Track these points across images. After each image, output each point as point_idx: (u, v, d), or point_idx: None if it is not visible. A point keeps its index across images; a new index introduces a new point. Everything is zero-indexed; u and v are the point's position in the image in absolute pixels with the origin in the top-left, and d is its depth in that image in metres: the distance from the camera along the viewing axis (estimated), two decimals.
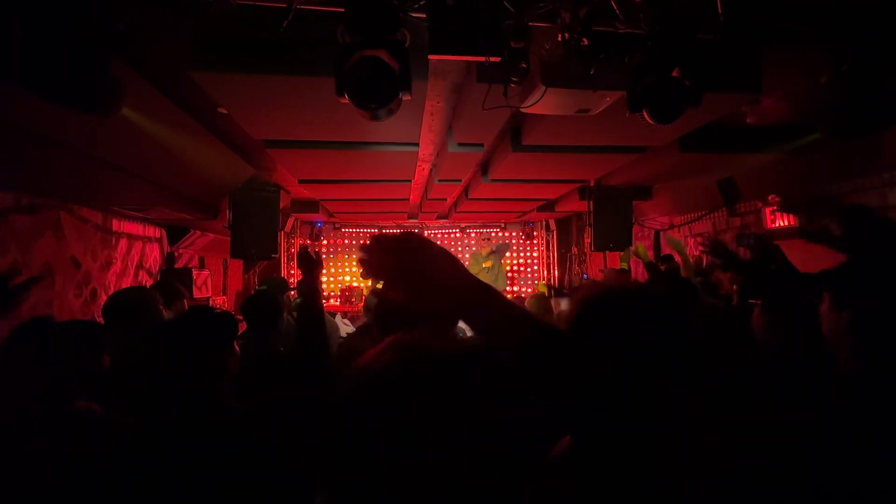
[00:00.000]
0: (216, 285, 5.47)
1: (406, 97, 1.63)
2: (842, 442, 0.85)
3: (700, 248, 5.27)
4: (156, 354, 1.17)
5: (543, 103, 1.70)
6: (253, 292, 3.27)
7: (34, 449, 1.11)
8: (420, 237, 0.64)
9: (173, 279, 3.83)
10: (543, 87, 1.62)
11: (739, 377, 1.17)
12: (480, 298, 0.60)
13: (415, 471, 0.44)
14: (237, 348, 1.25)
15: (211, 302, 4.71)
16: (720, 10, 1.76)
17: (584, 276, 7.00)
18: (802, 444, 0.86)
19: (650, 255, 5.98)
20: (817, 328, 1.01)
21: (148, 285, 3.99)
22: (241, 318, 2.11)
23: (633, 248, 3.20)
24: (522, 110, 1.85)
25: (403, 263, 0.59)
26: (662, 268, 4.47)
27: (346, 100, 1.60)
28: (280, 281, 3.31)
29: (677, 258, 3.79)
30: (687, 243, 5.53)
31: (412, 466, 0.44)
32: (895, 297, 0.89)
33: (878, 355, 0.90)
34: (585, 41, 1.57)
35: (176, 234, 4.52)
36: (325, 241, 7.42)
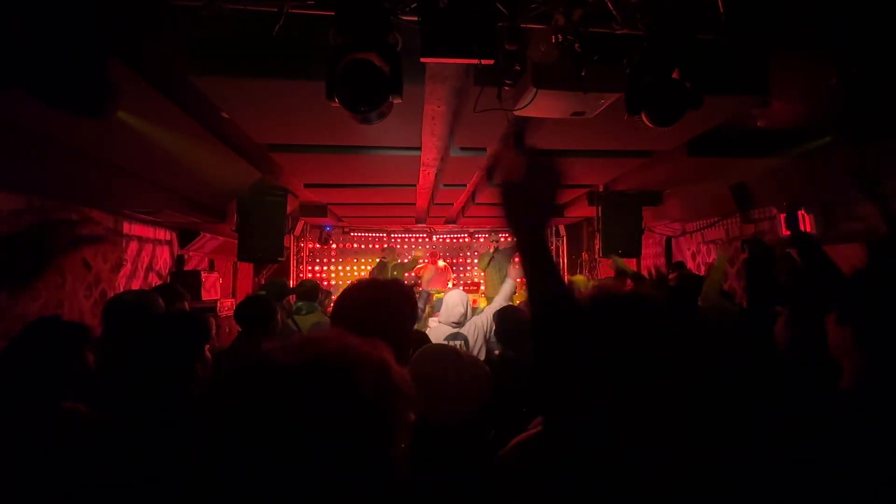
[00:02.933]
0: (225, 288, 5.54)
1: (397, 101, 1.62)
2: (837, 458, 0.81)
3: (714, 254, 5.12)
4: (128, 356, 1.18)
5: (536, 106, 1.68)
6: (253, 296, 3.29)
7: (17, 448, 1.11)
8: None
9: (174, 281, 3.88)
10: (534, 90, 1.60)
11: (743, 383, 1.12)
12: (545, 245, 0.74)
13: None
14: (208, 353, 1.24)
15: (219, 304, 4.76)
16: (721, 10, 1.71)
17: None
18: (795, 454, 0.82)
19: (661, 261, 5.87)
20: (823, 341, 0.97)
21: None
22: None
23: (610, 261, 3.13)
24: (515, 113, 1.83)
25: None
26: (672, 276, 4.36)
27: (336, 103, 1.60)
28: (280, 284, 3.33)
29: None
30: (699, 250, 5.41)
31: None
32: (888, 312, 0.84)
33: (879, 373, 0.86)
34: (578, 44, 1.54)
35: (186, 236, 4.59)
36: (333, 246, 7.47)
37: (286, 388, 0.44)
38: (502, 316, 2.54)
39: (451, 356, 1.03)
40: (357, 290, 1.05)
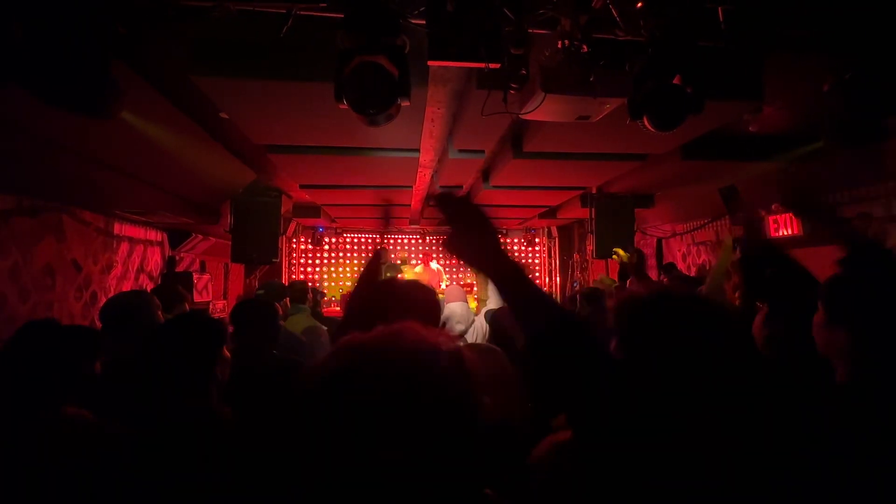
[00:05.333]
0: (217, 289, 5.48)
1: (405, 103, 1.63)
2: (836, 456, 0.83)
3: (707, 254, 5.19)
4: (145, 358, 1.16)
5: (543, 110, 1.70)
6: (252, 297, 3.25)
7: (19, 454, 1.09)
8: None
9: (175, 283, 3.82)
10: (542, 94, 1.62)
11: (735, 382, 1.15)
12: (518, 273, 0.72)
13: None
14: (227, 354, 1.24)
15: (211, 306, 4.71)
16: (721, 18, 1.76)
17: (575, 283, 6.99)
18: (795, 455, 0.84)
19: (651, 262, 5.97)
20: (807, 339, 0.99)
21: (149, 289, 4.00)
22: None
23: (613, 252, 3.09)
24: (522, 117, 1.85)
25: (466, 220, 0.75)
26: (664, 278, 4.43)
27: (345, 105, 1.60)
28: (278, 286, 3.29)
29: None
30: (689, 251, 5.52)
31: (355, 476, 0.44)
32: (887, 312, 0.87)
33: (872, 369, 0.88)
34: (585, 48, 1.57)
35: (177, 237, 4.53)
36: (326, 247, 7.43)
37: (378, 381, 0.47)
38: (495, 318, 2.51)
39: (498, 354, 1.03)
40: (382, 291, 1.06)
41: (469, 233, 0.76)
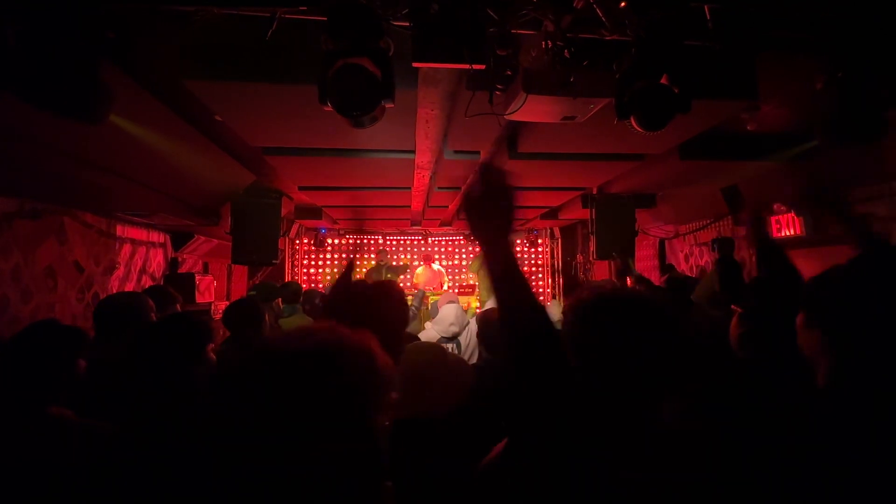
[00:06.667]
0: (220, 290, 5.53)
1: (389, 105, 1.64)
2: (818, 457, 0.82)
3: (710, 255, 5.13)
4: (130, 358, 1.18)
5: (527, 110, 1.70)
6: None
7: (4, 454, 1.11)
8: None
9: (166, 284, 3.86)
10: (524, 95, 1.62)
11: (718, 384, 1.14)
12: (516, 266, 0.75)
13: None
14: (212, 355, 1.25)
15: (213, 307, 4.75)
16: (708, 17, 1.75)
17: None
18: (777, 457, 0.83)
19: (654, 263, 5.93)
20: (792, 343, 0.98)
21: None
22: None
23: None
24: (507, 117, 1.85)
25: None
26: (664, 277, 4.39)
27: (329, 107, 1.62)
28: (270, 287, 3.32)
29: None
30: (692, 252, 5.46)
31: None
32: (868, 315, 0.85)
33: (853, 374, 0.87)
34: (567, 50, 1.57)
35: (180, 239, 4.58)
36: (329, 248, 7.48)
37: (284, 370, 0.51)
38: (485, 320, 2.48)
39: (436, 352, 1.05)
40: (350, 289, 1.06)
41: (495, 206, 0.78)
